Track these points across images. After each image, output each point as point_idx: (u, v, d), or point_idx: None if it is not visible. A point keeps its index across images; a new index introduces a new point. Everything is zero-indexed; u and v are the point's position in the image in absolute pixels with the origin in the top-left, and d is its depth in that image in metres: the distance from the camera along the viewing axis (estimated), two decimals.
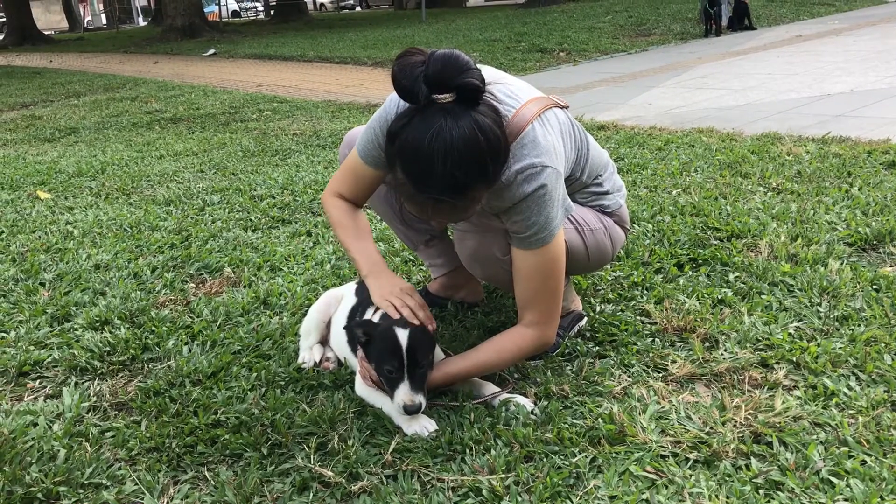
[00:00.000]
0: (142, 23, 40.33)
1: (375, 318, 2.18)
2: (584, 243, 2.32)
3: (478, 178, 1.86)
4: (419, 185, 1.86)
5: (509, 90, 2.11)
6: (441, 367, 2.16)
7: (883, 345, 2.32)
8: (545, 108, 2.11)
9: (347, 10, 39.07)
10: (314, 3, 41.42)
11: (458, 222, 2.23)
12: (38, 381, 2.50)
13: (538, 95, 2.16)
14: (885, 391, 2.09)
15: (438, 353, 2.23)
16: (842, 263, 2.91)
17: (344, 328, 2.30)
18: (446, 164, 1.79)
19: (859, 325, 2.45)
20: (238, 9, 44.40)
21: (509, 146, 1.94)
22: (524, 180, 1.99)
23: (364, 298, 2.38)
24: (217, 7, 34.30)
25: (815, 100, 6.62)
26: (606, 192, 2.42)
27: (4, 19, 29.12)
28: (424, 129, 1.81)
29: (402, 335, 2.01)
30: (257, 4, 45.12)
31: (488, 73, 2.12)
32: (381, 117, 2.12)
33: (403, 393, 2.00)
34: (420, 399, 2.00)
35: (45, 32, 29.34)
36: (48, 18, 43.42)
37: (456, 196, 1.86)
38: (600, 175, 2.41)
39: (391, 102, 2.09)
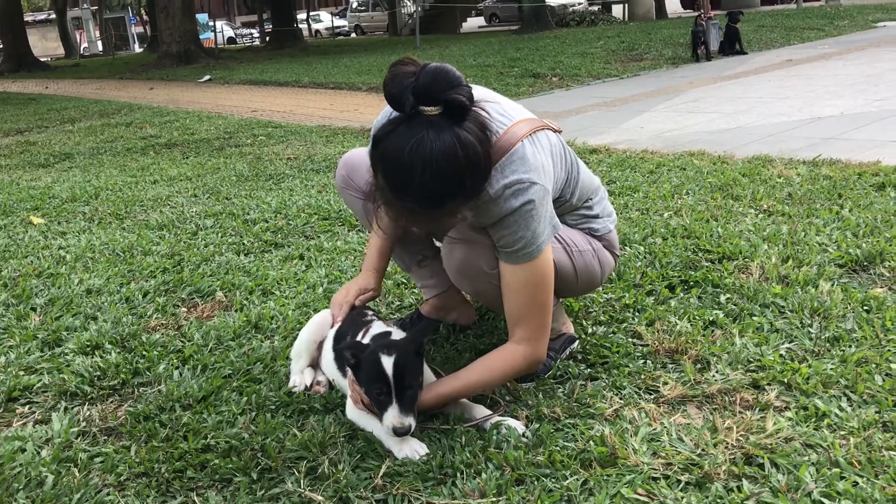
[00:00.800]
0: (138, 49, 40.59)
1: (365, 340, 2.18)
2: (573, 264, 2.33)
3: (455, 191, 1.89)
4: (397, 193, 1.90)
5: (502, 109, 2.14)
6: (432, 387, 2.16)
7: (874, 365, 2.32)
8: (537, 129, 2.13)
9: (343, 37, 39.34)
10: (310, 29, 41.73)
11: (434, 233, 2.25)
12: (28, 406, 2.49)
13: (531, 117, 2.18)
14: (876, 412, 2.08)
15: (429, 374, 2.23)
16: (833, 285, 2.91)
17: (333, 349, 2.29)
18: (424, 175, 1.83)
19: (850, 346, 2.46)
20: (234, 35, 44.72)
21: (491, 164, 1.97)
22: (511, 195, 2.01)
23: (354, 320, 2.38)
24: (213, 34, 34.57)
25: (806, 123, 6.67)
26: (596, 216, 2.43)
27: (1, 46, 29.23)
28: (407, 138, 1.84)
29: (388, 360, 2.00)
30: (253, 31, 45.47)
31: (482, 93, 2.15)
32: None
33: (392, 416, 1.99)
34: (409, 421, 1.99)
35: (42, 59, 29.50)
36: (45, 45, 43.67)
37: (432, 207, 1.91)
38: (590, 199, 2.42)
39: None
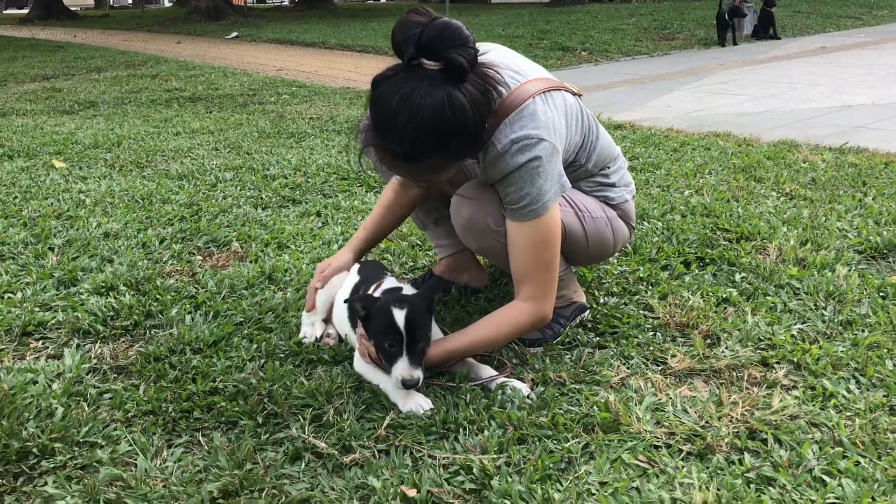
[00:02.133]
0: (167, 3, 40.51)
1: (376, 294, 2.19)
2: (584, 229, 2.32)
3: (434, 148, 1.91)
4: (380, 136, 1.94)
5: (516, 66, 2.13)
6: (440, 343, 2.17)
7: (885, 350, 2.30)
8: (552, 89, 2.11)
9: (372, 1, 39.05)
10: None
11: (420, 182, 2.33)
12: (41, 341, 2.52)
13: (548, 77, 2.16)
14: (884, 395, 2.07)
15: (437, 333, 2.24)
16: (850, 270, 2.89)
17: (344, 301, 2.30)
18: (407, 125, 1.85)
19: (863, 331, 2.44)
20: None
21: (483, 131, 1.97)
22: (518, 150, 2.01)
23: (367, 277, 2.39)
24: None
25: (835, 110, 6.58)
26: (613, 185, 2.41)
27: None
28: (400, 86, 1.86)
29: (399, 313, 2.01)
30: None
31: (502, 52, 2.13)
32: None
33: (402, 367, 2.00)
34: (418, 374, 2.00)
35: (72, 8, 29.49)
36: None
37: (410, 158, 1.94)
38: (608, 167, 2.40)
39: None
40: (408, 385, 2.00)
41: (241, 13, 22.57)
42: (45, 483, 1.80)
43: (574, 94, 2.23)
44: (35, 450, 1.89)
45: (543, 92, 2.08)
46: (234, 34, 16.81)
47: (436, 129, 1.87)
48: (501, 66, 2.03)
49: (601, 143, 2.34)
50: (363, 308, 2.10)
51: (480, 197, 2.21)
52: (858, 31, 14.35)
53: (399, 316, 2.01)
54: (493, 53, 2.05)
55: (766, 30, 13.23)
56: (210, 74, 9.94)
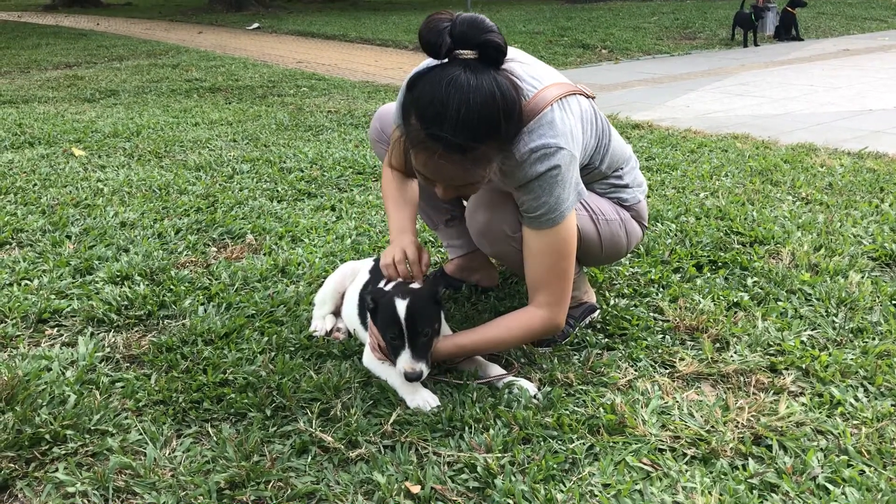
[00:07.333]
0: None
1: (387, 288, 2.21)
2: (598, 232, 2.32)
3: (489, 133, 1.86)
4: (430, 128, 1.85)
5: (532, 71, 2.12)
6: (450, 338, 2.19)
7: (895, 359, 2.29)
8: (568, 94, 2.11)
9: None
10: None
11: (462, 191, 2.15)
12: (56, 328, 2.56)
13: (562, 81, 2.16)
14: (892, 405, 2.06)
15: (446, 329, 2.25)
16: (863, 277, 2.87)
17: (360, 293, 2.33)
18: (460, 110, 1.81)
19: (874, 339, 2.43)
20: None
21: (523, 113, 1.96)
22: (537, 160, 2.00)
23: (378, 277, 2.41)
24: None
25: (855, 114, 6.52)
26: (626, 186, 2.41)
27: None
28: (443, 76, 1.84)
29: (402, 304, 2.03)
30: None
31: (513, 53, 2.12)
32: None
33: (404, 360, 2.03)
34: (420, 367, 2.02)
35: None
36: None
37: (464, 147, 1.85)
38: (621, 168, 2.40)
39: (415, 70, 2.11)
40: (410, 378, 2.02)
41: (263, 4, 22.60)
42: (57, 469, 1.83)
43: (587, 96, 2.23)
44: (47, 436, 1.92)
45: (560, 98, 2.08)
46: (256, 25, 16.88)
47: (488, 109, 1.83)
48: (517, 64, 2.04)
49: (614, 145, 2.33)
50: (372, 301, 2.12)
51: (496, 203, 2.21)
52: (883, 33, 14.20)
53: (401, 308, 2.03)
54: (508, 52, 2.05)
55: (787, 31, 13.12)
56: (230, 65, 9.99)
